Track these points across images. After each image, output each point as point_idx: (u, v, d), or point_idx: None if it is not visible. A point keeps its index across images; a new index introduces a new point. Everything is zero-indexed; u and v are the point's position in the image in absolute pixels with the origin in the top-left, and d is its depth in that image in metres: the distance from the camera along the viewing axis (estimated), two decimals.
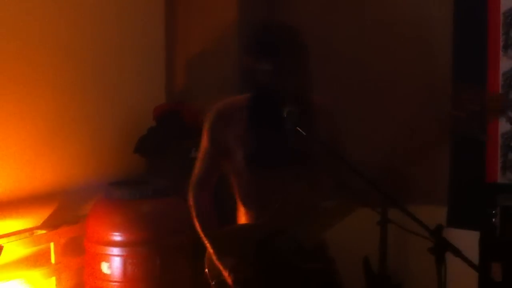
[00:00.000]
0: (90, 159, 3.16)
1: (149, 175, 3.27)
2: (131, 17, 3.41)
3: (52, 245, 2.86)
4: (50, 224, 2.93)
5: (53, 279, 2.87)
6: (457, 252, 1.56)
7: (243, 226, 2.01)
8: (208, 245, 1.93)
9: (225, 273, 1.87)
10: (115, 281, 2.74)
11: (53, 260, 2.87)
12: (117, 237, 2.76)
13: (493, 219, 2.71)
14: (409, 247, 3.25)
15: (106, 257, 2.75)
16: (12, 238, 2.69)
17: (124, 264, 2.73)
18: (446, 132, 1.85)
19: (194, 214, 1.98)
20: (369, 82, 3.37)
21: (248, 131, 1.90)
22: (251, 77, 1.86)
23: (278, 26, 1.89)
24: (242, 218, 2.02)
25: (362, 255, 3.25)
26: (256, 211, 1.95)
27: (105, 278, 2.75)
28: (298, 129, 1.76)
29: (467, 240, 2.81)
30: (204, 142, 1.99)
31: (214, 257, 1.91)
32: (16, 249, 2.72)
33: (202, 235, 1.95)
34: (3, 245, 2.55)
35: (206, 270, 1.96)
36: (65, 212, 3.02)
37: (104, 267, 2.75)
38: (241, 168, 1.93)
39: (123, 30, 3.35)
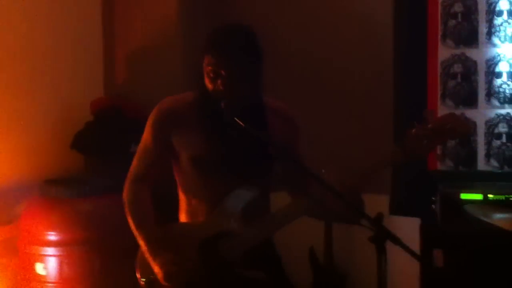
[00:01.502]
0: (24, 156, 3.02)
1: (87, 172, 3.16)
2: (67, 9, 3.28)
3: None
4: None
5: None
6: (397, 240, 1.56)
7: (184, 224, 1.96)
8: (141, 242, 1.86)
9: (156, 268, 1.81)
10: (51, 282, 2.64)
11: None
12: (52, 236, 2.65)
13: (433, 206, 2.75)
14: (355, 236, 3.27)
15: (41, 258, 2.64)
16: None
17: (60, 265, 2.63)
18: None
19: (127, 209, 1.92)
20: (318, 81, 3.37)
21: (194, 131, 1.85)
22: (202, 77, 1.82)
23: (239, 28, 1.84)
24: (184, 216, 1.97)
25: (308, 246, 3.26)
26: (202, 208, 1.90)
27: (40, 279, 2.65)
28: (236, 119, 1.73)
29: (411, 228, 2.85)
30: (146, 137, 1.93)
31: (147, 254, 1.84)
32: None
33: (135, 231, 1.88)
34: None
35: (137, 270, 1.89)
36: None
37: (39, 268, 2.64)
38: (187, 168, 1.88)
39: (59, 22, 3.22)
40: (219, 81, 1.77)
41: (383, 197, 3.23)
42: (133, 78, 3.58)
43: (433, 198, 2.76)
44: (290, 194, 1.98)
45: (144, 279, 1.87)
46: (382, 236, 1.54)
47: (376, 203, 3.19)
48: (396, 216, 3.19)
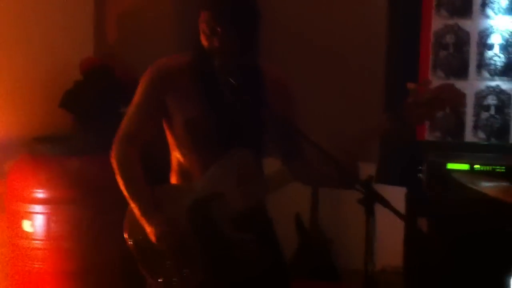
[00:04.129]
0: (12, 113, 2.98)
1: (76, 131, 3.13)
2: None
3: None
4: None
5: None
6: (386, 203, 1.58)
7: (176, 186, 1.95)
8: (132, 202, 1.85)
9: (149, 228, 1.80)
10: (38, 240, 2.64)
11: None
12: (40, 194, 2.64)
13: (420, 175, 2.78)
14: (340, 201, 3.31)
15: (28, 215, 2.63)
16: None
17: (47, 223, 2.63)
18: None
19: (117, 170, 1.88)
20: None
21: (188, 92, 1.83)
22: (197, 35, 1.79)
23: None
24: (175, 178, 1.96)
25: (294, 210, 3.29)
26: (194, 170, 1.88)
27: (27, 236, 2.65)
28: (230, 79, 1.72)
29: (397, 197, 2.89)
30: (139, 96, 1.89)
31: (138, 213, 1.83)
32: None
33: (126, 192, 1.86)
34: None
35: (125, 231, 1.88)
36: None
37: (26, 225, 2.64)
38: (180, 130, 1.87)
39: None
40: (214, 38, 1.75)
41: (370, 165, 3.26)
42: (124, 38, 3.53)
43: (420, 168, 2.79)
44: (282, 159, 1.97)
45: (131, 240, 1.86)
46: (372, 199, 1.56)
47: (363, 171, 3.26)
48: (383, 184, 3.22)
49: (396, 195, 2.93)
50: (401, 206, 2.83)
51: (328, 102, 3.31)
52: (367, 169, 3.23)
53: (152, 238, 1.79)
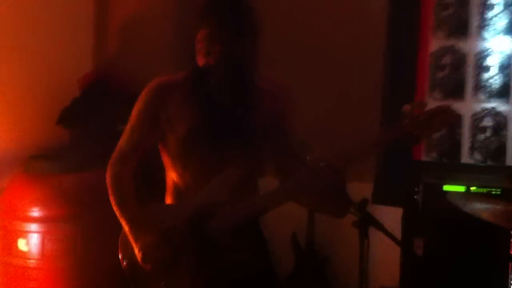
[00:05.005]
0: (9, 130, 2.98)
1: (72, 148, 3.13)
2: None
3: None
4: None
5: None
6: (380, 227, 1.57)
7: (170, 205, 1.94)
8: (123, 223, 1.84)
9: (137, 250, 1.80)
10: (33, 259, 2.61)
11: None
12: (35, 212, 2.62)
13: (416, 196, 2.78)
14: (337, 221, 3.29)
15: (23, 234, 2.61)
16: None
17: (43, 241, 2.61)
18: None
19: (110, 189, 1.88)
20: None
21: (184, 109, 1.83)
22: (194, 53, 1.79)
23: (233, 1, 1.79)
24: (170, 198, 1.95)
25: (291, 229, 3.28)
26: (190, 189, 1.88)
27: (22, 255, 2.62)
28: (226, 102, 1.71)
29: (393, 217, 2.88)
30: (137, 113, 1.88)
31: (129, 235, 1.83)
32: None
33: (117, 212, 1.85)
34: None
35: (119, 251, 1.87)
36: None
37: (21, 244, 2.62)
38: (175, 147, 1.86)
39: None
40: (210, 58, 1.75)
41: (367, 186, 3.26)
42: (125, 53, 3.53)
43: (416, 189, 2.79)
44: (277, 176, 1.97)
45: (126, 261, 1.85)
46: (366, 222, 1.56)
47: (360, 191, 3.26)
48: (379, 205, 3.22)
49: (393, 215, 2.95)
50: (398, 226, 2.84)
51: (325, 117, 3.31)
52: (363, 190, 3.24)
53: (140, 259, 1.78)
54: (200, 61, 1.79)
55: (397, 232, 2.79)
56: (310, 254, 3.19)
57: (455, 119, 1.82)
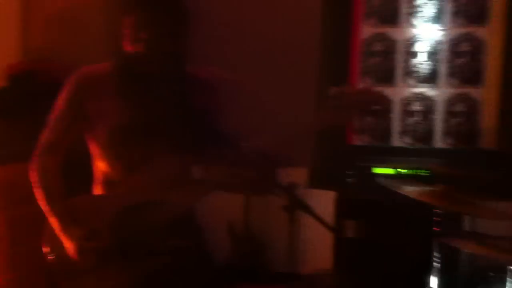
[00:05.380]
0: None
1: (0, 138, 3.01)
2: None
3: None
4: None
5: None
6: (309, 210, 1.60)
7: (101, 196, 1.89)
8: (51, 216, 1.79)
9: (68, 243, 1.75)
10: None
11: None
12: None
13: (349, 179, 2.84)
14: (272, 205, 3.33)
15: None
16: None
17: None
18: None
19: (36, 182, 1.82)
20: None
21: (112, 99, 1.79)
22: (121, 40, 1.75)
23: None
24: (100, 188, 1.91)
25: (227, 216, 3.29)
26: (121, 178, 1.85)
27: None
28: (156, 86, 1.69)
29: (329, 200, 2.94)
30: (62, 103, 1.83)
31: (58, 228, 1.77)
32: None
33: (44, 205, 1.80)
34: None
35: (44, 246, 1.82)
36: None
37: None
38: (104, 137, 1.82)
39: None
40: (138, 44, 1.72)
41: (303, 170, 3.31)
42: (54, 42, 3.42)
43: (349, 172, 2.85)
44: (207, 164, 1.96)
45: (52, 255, 1.80)
46: (294, 205, 1.58)
47: (296, 176, 3.31)
48: (315, 188, 3.28)
49: (329, 198, 3.01)
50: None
51: (260, 103, 3.32)
52: (300, 174, 3.29)
53: (72, 253, 1.74)
54: (128, 47, 1.75)
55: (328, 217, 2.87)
56: (247, 241, 3.21)
57: (381, 99, 1.87)
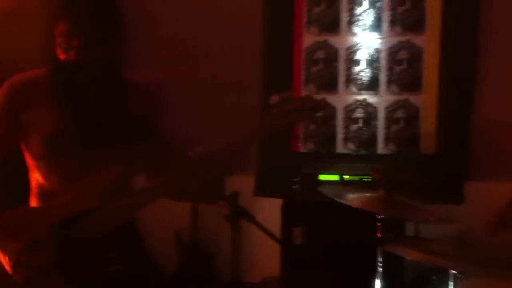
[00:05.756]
0: None
1: None
2: None
3: None
4: None
5: None
6: (252, 219, 1.60)
7: (36, 208, 1.83)
8: None
9: (4, 258, 1.68)
10: None
11: None
12: None
13: (295, 186, 2.86)
14: (219, 214, 3.31)
15: None
16: None
17: None
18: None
19: None
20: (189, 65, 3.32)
21: (46, 108, 1.73)
22: (54, 48, 1.69)
23: None
24: (36, 200, 1.84)
25: (174, 227, 3.25)
26: (58, 189, 1.79)
27: None
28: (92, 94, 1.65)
29: (276, 208, 2.95)
30: None
31: None
32: None
33: None
34: None
35: None
36: None
37: None
38: (39, 148, 1.76)
39: None
40: (71, 52, 1.68)
41: (251, 178, 3.31)
42: None
43: (294, 179, 2.87)
44: (147, 173, 1.93)
45: None
46: (237, 214, 1.57)
47: (244, 184, 3.30)
48: (261, 196, 3.28)
49: (276, 205, 3.01)
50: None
51: (202, 110, 3.30)
52: (247, 183, 3.28)
53: (7, 268, 1.67)
54: (61, 55, 1.70)
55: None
56: (194, 251, 3.18)
57: (322, 107, 1.89)
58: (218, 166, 1.75)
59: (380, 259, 2.12)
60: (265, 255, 3.10)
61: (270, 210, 3.13)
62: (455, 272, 1.80)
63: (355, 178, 2.83)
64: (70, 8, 1.68)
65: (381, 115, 3.27)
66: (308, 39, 3.26)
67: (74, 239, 1.73)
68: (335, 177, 2.84)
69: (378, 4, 3.20)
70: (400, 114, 3.27)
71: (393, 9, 3.20)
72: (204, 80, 3.31)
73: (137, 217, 1.94)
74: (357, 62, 3.25)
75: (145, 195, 1.80)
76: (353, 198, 2.14)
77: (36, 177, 1.82)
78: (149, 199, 1.79)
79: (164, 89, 2.04)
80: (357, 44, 3.24)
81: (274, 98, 1.76)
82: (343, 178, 2.83)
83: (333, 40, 3.25)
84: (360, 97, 3.27)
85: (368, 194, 2.18)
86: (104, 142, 1.77)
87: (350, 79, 3.26)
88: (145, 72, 1.93)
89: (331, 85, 3.27)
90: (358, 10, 3.24)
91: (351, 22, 3.23)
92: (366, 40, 3.23)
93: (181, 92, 3.20)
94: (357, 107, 3.28)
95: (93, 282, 1.75)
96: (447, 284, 1.81)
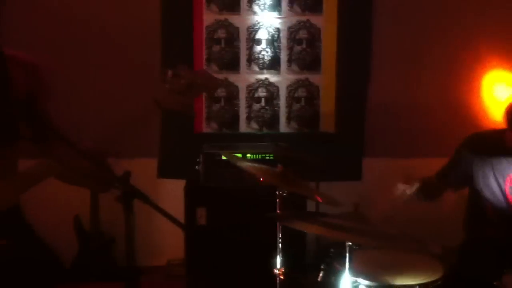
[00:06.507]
0: None
1: None
2: None
3: None
4: None
5: None
6: (146, 199, 1.55)
7: None
8: None
9: None
10: None
11: None
12: None
13: (197, 167, 2.83)
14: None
15: None
16: None
17: None
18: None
19: None
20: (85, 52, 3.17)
21: None
22: None
23: None
24: None
25: (74, 213, 3.13)
26: None
27: None
28: None
29: (180, 189, 2.91)
30: None
31: None
32: None
33: None
34: None
35: None
36: None
37: None
38: None
39: None
40: None
41: (154, 161, 3.23)
42: None
43: (198, 160, 2.84)
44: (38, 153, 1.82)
45: None
46: (130, 195, 1.51)
47: (146, 167, 3.23)
48: (164, 178, 3.23)
49: (180, 187, 2.97)
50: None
51: (100, 96, 3.18)
52: (150, 165, 3.21)
53: None
54: None
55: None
56: (95, 236, 3.08)
57: (214, 82, 1.86)
58: (106, 149, 1.69)
59: (280, 236, 2.14)
60: (170, 237, 3.06)
61: (173, 192, 3.09)
62: (351, 244, 1.85)
63: (257, 156, 2.85)
64: None
65: (283, 94, 3.31)
66: (208, 17, 3.21)
67: None
68: (238, 157, 2.84)
69: None
70: (301, 93, 3.31)
71: None
72: (102, 60, 3.18)
73: (21, 204, 1.84)
74: (258, 41, 3.25)
75: (28, 177, 1.70)
76: (253, 166, 2.15)
77: None
78: (33, 182, 1.70)
79: (53, 68, 1.93)
80: (258, 23, 3.24)
81: (169, 73, 1.71)
82: (246, 156, 2.84)
83: (233, 19, 3.23)
84: (262, 76, 3.28)
85: (269, 170, 2.19)
86: None
87: (252, 58, 3.26)
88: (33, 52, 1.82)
89: (233, 65, 3.25)
90: None
91: (251, 1, 3.21)
92: (266, 19, 3.23)
93: (75, 72, 3.06)
94: (259, 87, 3.29)
95: None
96: (345, 256, 1.86)
